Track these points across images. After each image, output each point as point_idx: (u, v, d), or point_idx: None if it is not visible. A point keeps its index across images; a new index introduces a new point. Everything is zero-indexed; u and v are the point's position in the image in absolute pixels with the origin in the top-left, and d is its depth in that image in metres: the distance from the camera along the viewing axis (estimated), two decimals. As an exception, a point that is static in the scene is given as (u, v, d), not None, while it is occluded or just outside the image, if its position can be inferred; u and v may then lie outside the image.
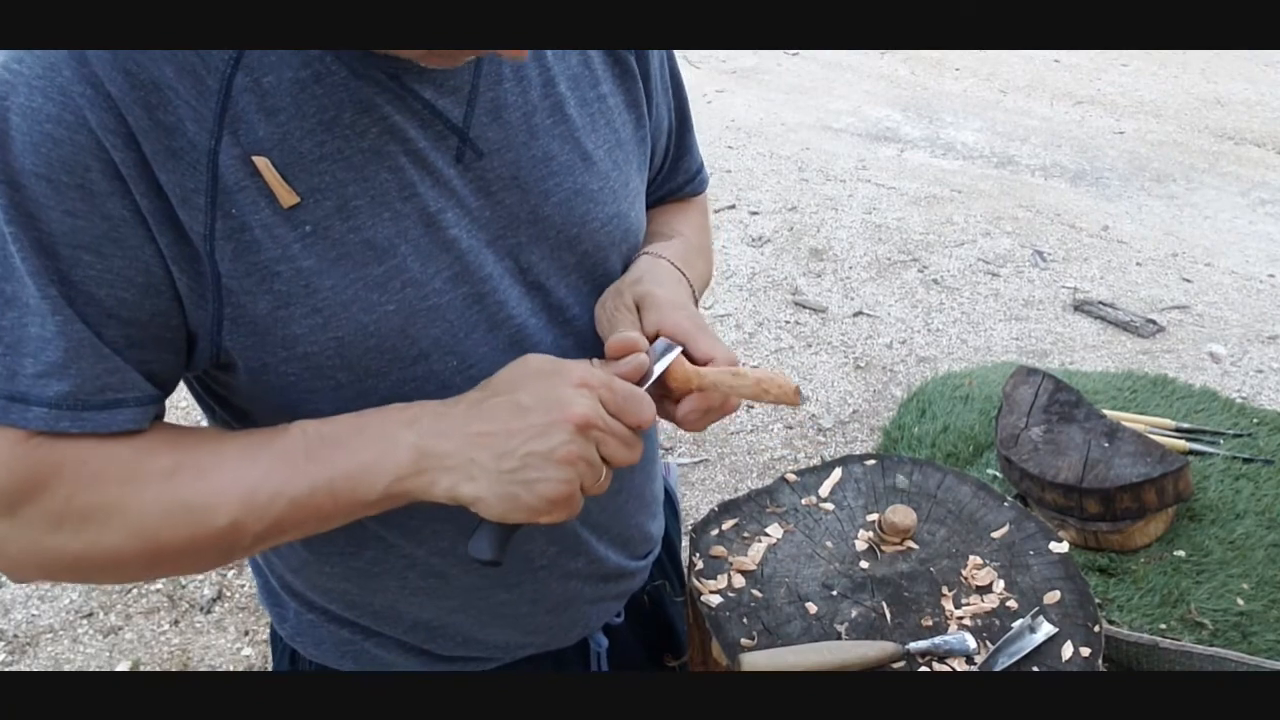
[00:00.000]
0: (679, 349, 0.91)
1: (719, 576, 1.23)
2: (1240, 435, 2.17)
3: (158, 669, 2.64)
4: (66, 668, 2.64)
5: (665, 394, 0.92)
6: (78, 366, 0.77)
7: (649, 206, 1.18)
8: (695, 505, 3.18)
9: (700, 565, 1.25)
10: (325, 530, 0.86)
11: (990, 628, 1.16)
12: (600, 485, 0.85)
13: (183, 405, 3.32)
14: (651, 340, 0.92)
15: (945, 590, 1.21)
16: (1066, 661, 1.11)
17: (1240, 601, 1.75)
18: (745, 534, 1.30)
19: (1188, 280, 4.47)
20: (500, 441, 0.81)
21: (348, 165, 0.82)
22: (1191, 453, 2.09)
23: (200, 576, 2.92)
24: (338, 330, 0.83)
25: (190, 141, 0.76)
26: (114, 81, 0.73)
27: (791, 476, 1.40)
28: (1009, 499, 1.35)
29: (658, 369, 0.89)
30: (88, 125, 0.73)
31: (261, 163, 0.78)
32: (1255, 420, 2.23)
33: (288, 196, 0.80)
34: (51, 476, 0.79)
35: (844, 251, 4.76)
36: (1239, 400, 2.38)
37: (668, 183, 1.20)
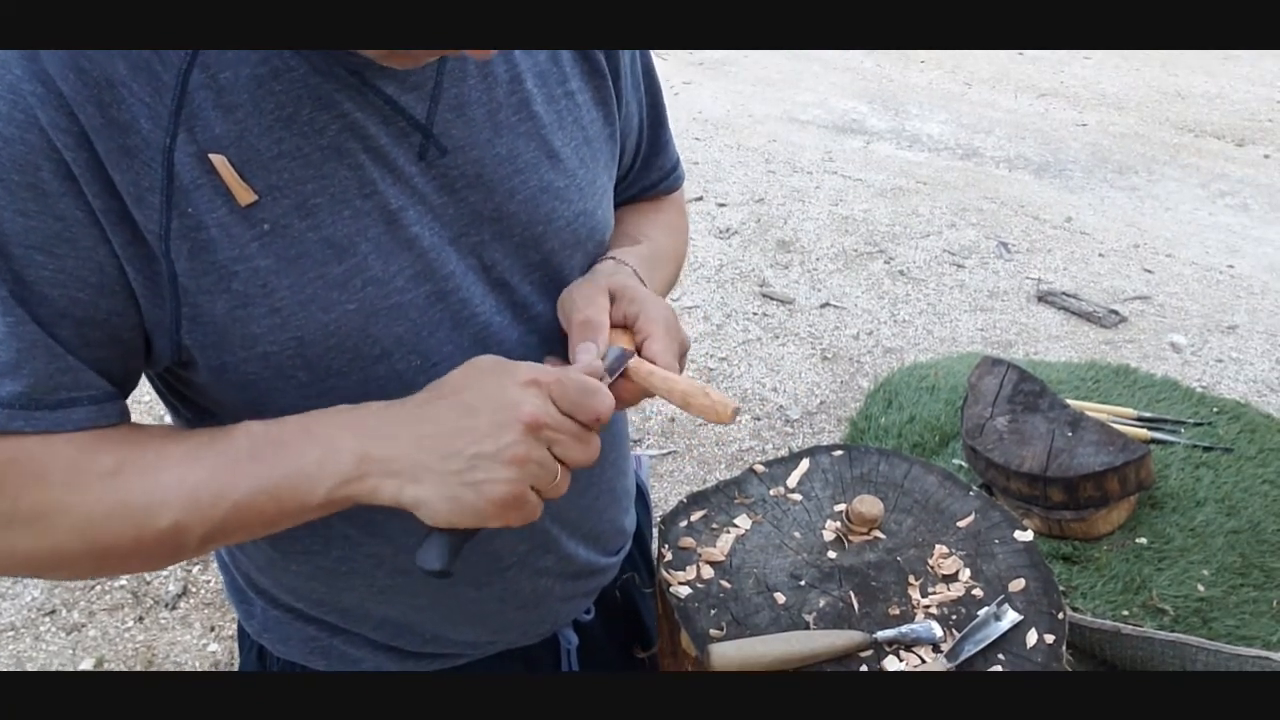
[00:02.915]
0: (632, 354, 0.90)
1: (688, 568, 1.23)
2: (1200, 424, 2.20)
3: (122, 666, 2.61)
4: (29, 666, 2.61)
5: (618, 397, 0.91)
6: (30, 367, 0.76)
7: (622, 203, 1.17)
8: (664, 497, 3.18)
9: (669, 557, 1.25)
10: (273, 532, 0.84)
11: (956, 616, 1.17)
12: (556, 487, 0.83)
13: (145, 400, 3.29)
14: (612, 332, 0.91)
15: (912, 579, 1.22)
16: (1031, 648, 1.12)
17: (1201, 588, 1.78)
18: (714, 525, 1.31)
19: (1149, 271, 4.53)
20: (446, 443, 0.79)
21: (306, 163, 0.81)
22: (1153, 441, 2.12)
23: (165, 573, 2.89)
24: (297, 330, 0.82)
25: (145, 139, 0.75)
26: (65, 79, 0.72)
27: (759, 467, 1.41)
28: (974, 488, 1.36)
29: (610, 374, 0.88)
30: (38, 124, 0.72)
31: (218, 160, 0.77)
32: (1215, 409, 2.26)
33: (245, 195, 0.78)
34: (2, 476, 0.78)
35: (811, 243, 4.78)
36: (1199, 389, 2.41)
37: (640, 180, 1.19)
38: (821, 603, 1.18)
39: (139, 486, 0.80)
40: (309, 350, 0.84)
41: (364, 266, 0.84)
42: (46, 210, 0.74)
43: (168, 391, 0.94)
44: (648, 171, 1.19)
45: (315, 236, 0.82)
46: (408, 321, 0.87)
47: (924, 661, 1.11)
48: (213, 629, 2.74)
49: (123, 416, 0.85)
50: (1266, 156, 5.79)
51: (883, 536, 1.28)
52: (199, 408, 0.92)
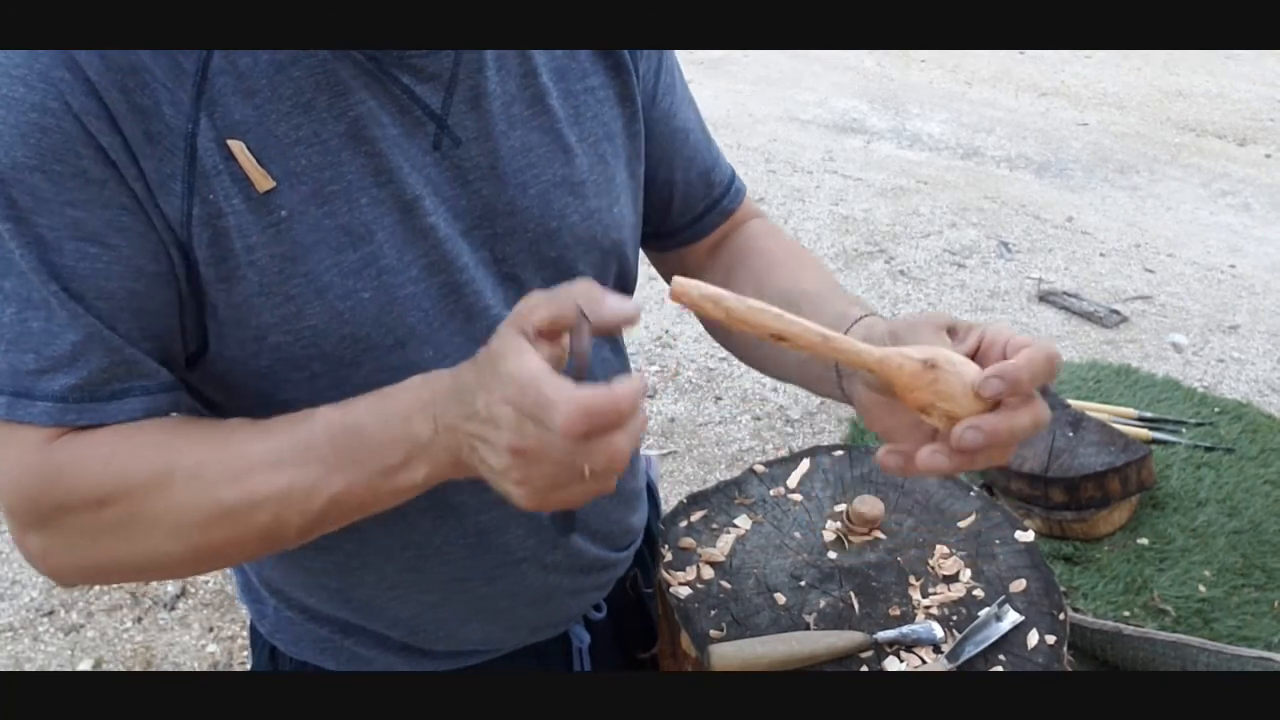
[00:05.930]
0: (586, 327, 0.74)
1: (688, 568, 1.23)
2: (1202, 424, 2.20)
3: (121, 667, 2.61)
4: (27, 667, 2.61)
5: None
6: (85, 359, 0.75)
7: (687, 241, 1.14)
8: (664, 497, 3.15)
9: (669, 557, 1.25)
10: (372, 514, 0.81)
11: (957, 616, 1.17)
12: (597, 478, 0.72)
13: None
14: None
15: (913, 580, 1.21)
16: (1032, 649, 1.12)
17: (1202, 588, 1.78)
18: (714, 525, 1.30)
19: (1150, 271, 4.52)
20: (482, 446, 0.73)
21: (324, 149, 0.81)
22: (1154, 441, 2.12)
23: (165, 572, 2.89)
24: (312, 319, 0.82)
25: (167, 125, 0.75)
26: (91, 65, 0.72)
27: (760, 468, 1.40)
28: (975, 488, 1.36)
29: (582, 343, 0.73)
30: (72, 111, 0.72)
31: (236, 146, 0.77)
32: (1216, 409, 2.26)
33: (263, 181, 0.78)
34: (75, 476, 0.76)
35: (811, 243, 4.77)
36: (1200, 389, 2.41)
37: (700, 201, 1.13)
38: (822, 603, 1.18)
39: (229, 490, 0.77)
40: (323, 340, 0.83)
41: (379, 254, 0.83)
42: (95, 199, 0.73)
43: None
44: (709, 189, 1.12)
45: (331, 224, 0.81)
46: (420, 312, 0.87)
47: (924, 662, 1.11)
48: (211, 629, 2.74)
49: (175, 406, 0.83)
50: (1268, 156, 5.78)
51: (883, 537, 1.28)
52: (204, 399, 0.91)
